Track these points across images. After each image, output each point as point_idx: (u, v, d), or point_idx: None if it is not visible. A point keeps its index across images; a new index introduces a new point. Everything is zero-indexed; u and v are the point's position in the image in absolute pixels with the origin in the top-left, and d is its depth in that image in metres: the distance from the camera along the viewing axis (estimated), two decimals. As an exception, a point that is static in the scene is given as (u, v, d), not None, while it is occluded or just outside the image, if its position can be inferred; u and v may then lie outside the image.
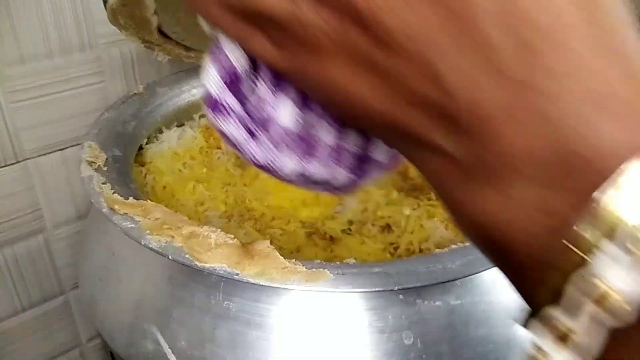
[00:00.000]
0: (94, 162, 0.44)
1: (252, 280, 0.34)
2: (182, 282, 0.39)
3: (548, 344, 0.14)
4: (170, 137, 0.56)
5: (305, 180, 0.21)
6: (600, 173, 0.13)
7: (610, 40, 0.14)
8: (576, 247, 0.14)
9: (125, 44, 0.59)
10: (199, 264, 0.34)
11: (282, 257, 0.34)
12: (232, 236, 0.36)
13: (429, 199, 0.52)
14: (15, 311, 0.63)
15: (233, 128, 0.20)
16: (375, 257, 0.45)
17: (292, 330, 0.38)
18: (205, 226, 0.36)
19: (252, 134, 0.20)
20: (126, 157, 0.47)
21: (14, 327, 0.63)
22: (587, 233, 0.13)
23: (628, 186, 0.13)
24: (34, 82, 0.54)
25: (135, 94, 0.55)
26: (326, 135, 0.20)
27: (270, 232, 0.47)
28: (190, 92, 0.59)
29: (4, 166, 0.56)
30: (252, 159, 0.20)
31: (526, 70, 0.14)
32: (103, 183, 0.41)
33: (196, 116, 0.61)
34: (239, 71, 0.19)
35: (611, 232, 0.13)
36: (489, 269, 0.37)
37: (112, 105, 0.53)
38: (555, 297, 0.14)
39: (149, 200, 0.40)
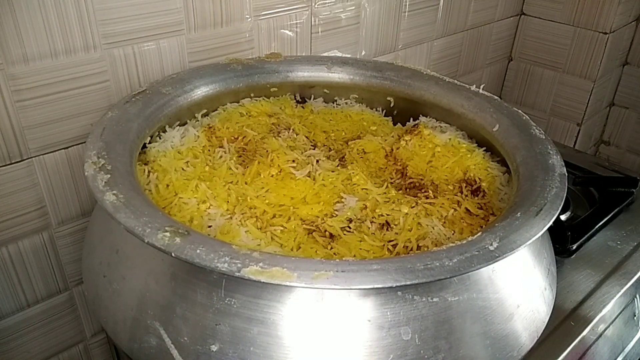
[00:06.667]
0: (97, 161, 0.44)
1: (253, 278, 0.34)
2: (185, 279, 0.40)
3: None
4: (173, 136, 0.56)
5: None
6: None
7: None
8: None
9: (128, 44, 0.60)
10: (201, 262, 0.35)
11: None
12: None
13: (427, 197, 0.52)
14: (20, 307, 0.64)
15: None
16: (373, 254, 0.45)
17: (292, 327, 0.38)
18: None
19: None
20: (130, 155, 0.48)
21: (20, 323, 0.64)
22: None
23: None
24: (39, 81, 0.55)
25: (138, 93, 0.56)
26: None
27: (271, 229, 0.47)
28: (193, 92, 0.60)
29: (10, 164, 0.56)
30: None
31: None
32: (106, 182, 0.42)
33: (198, 115, 0.61)
34: None
35: None
36: (485, 265, 0.37)
37: (115, 105, 0.54)
38: None
39: (152, 199, 0.41)
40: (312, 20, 0.78)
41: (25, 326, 0.65)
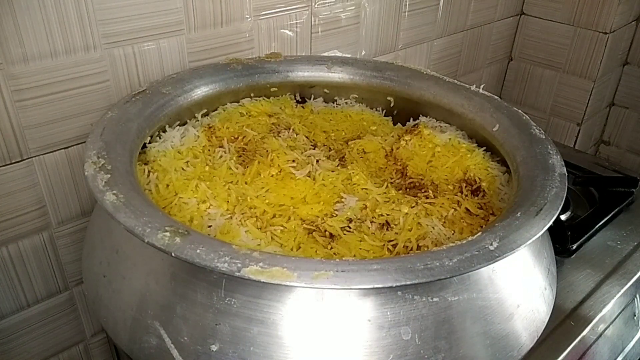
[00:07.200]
0: (97, 161, 0.44)
1: (253, 278, 0.34)
2: (185, 279, 0.40)
3: None
4: (173, 136, 0.56)
5: None
6: None
7: None
8: None
9: (128, 44, 0.60)
10: (201, 262, 0.35)
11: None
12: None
13: (427, 197, 0.52)
14: (20, 307, 0.64)
15: None
16: (373, 254, 0.45)
17: (292, 326, 0.38)
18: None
19: None
20: (129, 155, 0.48)
21: (20, 323, 0.64)
22: None
23: None
24: (39, 81, 0.55)
25: (138, 93, 0.56)
26: None
27: (271, 229, 0.47)
28: (193, 92, 0.60)
29: (9, 164, 0.56)
30: None
31: None
32: (106, 182, 0.42)
33: (198, 115, 0.61)
34: None
35: None
36: (485, 265, 0.37)
37: (115, 104, 0.54)
38: None
39: (152, 199, 0.41)
40: (312, 20, 0.78)
41: (25, 326, 0.65)
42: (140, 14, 0.59)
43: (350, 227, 0.48)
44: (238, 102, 0.65)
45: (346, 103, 0.70)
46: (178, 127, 0.58)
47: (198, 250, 0.36)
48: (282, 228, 0.48)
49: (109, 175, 0.43)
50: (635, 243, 0.73)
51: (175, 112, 0.58)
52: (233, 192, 0.51)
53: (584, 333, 0.60)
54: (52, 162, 0.59)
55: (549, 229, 0.42)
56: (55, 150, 0.59)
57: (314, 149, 0.60)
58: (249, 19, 0.70)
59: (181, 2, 0.62)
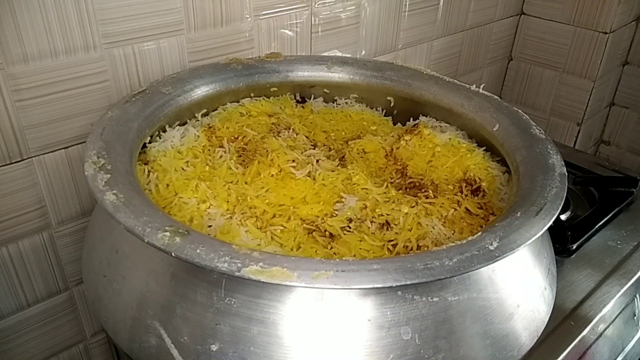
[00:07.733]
0: (97, 161, 0.44)
1: (253, 277, 0.34)
2: (185, 279, 0.40)
3: None
4: (173, 136, 0.56)
5: None
6: None
7: None
8: None
9: (128, 44, 0.60)
10: (201, 262, 0.35)
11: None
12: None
13: (427, 197, 0.52)
14: (20, 307, 0.64)
15: None
16: (373, 254, 0.45)
17: (292, 326, 0.38)
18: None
19: None
20: (129, 155, 0.48)
21: (20, 322, 0.64)
22: None
23: None
24: (39, 81, 0.55)
25: (138, 93, 0.56)
26: None
27: (271, 229, 0.47)
28: (193, 91, 0.60)
29: (9, 164, 0.56)
30: None
31: None
32: (106, 181, 0.42)
33: (199, 115, 0.61)
34: None
35: None
36: (485, 265, 0.37)
37: (115, 104, 0.54)
38: None
39: (152, 199, 0.40)
40: (312, 20, 0.78)
41: (25, 326, 0.65)
42: (140, 14, 0.59)
43: (350, 227, 0.48)
44: (238, 102, 0.65)
45: (346, 103, 0.70)
46: (178, 127, 0.58)
47: (198, 250, 0.36)
48: (282, 228, 0.48)
49: (109, 175, 0.43)
50: (635, 243, 0.73)
51: (175, 112, 0.58)
52: (233, 192, 0.51)
53: (584, 333, 0.60)
54: (52, 162, 0.59)
55: (549, 229, 0.42)
56: (55, 150, 0.59)
57: (314, 149, 0.60)
58: (249, 19, 0.70)
59: (181, 2, 0.62)
